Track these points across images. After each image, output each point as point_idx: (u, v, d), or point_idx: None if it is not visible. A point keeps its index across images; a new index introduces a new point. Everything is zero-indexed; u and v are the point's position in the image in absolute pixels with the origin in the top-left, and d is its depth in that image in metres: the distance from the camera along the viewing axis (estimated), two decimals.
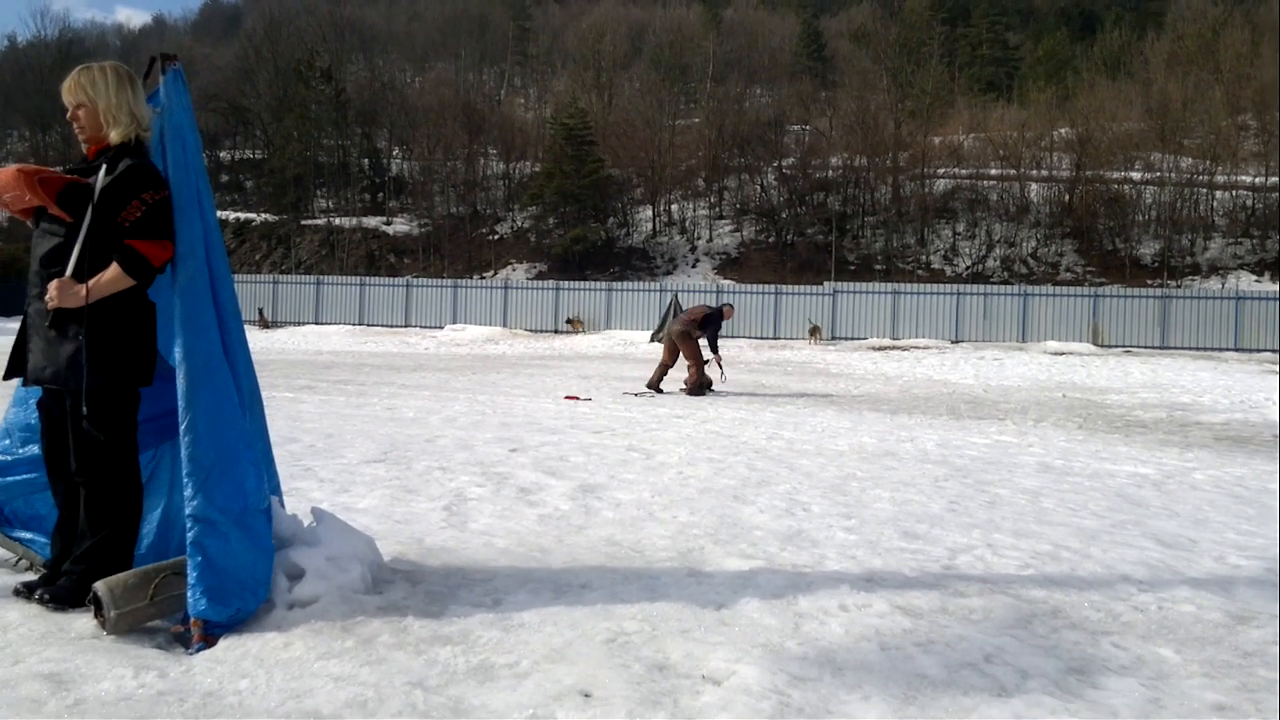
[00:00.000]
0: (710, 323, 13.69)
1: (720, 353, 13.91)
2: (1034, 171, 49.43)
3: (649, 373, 14.61)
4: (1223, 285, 39.88)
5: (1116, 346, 32.74)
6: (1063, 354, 28.30)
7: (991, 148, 51.05)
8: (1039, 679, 3.02)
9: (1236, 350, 31.93)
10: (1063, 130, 50.35)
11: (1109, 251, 44.87)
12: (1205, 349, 32.32)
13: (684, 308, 31.30)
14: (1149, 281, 40.84)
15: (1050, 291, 35.69)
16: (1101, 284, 40.33)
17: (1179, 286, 39.51)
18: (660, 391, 13.65)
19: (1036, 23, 79.21)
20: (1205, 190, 45.48)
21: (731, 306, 14.44)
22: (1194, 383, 18.16)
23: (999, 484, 6.65)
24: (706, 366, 13.71)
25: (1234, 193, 45.65)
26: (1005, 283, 41.24)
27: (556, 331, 36.96)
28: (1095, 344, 32.68)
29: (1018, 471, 7.27)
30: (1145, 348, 32.69)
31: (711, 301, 36.42)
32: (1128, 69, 58.01)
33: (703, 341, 13.56)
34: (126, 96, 3.37)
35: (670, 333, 14.04)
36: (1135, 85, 53.88)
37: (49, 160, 49.94)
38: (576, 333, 35.47)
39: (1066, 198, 47.39)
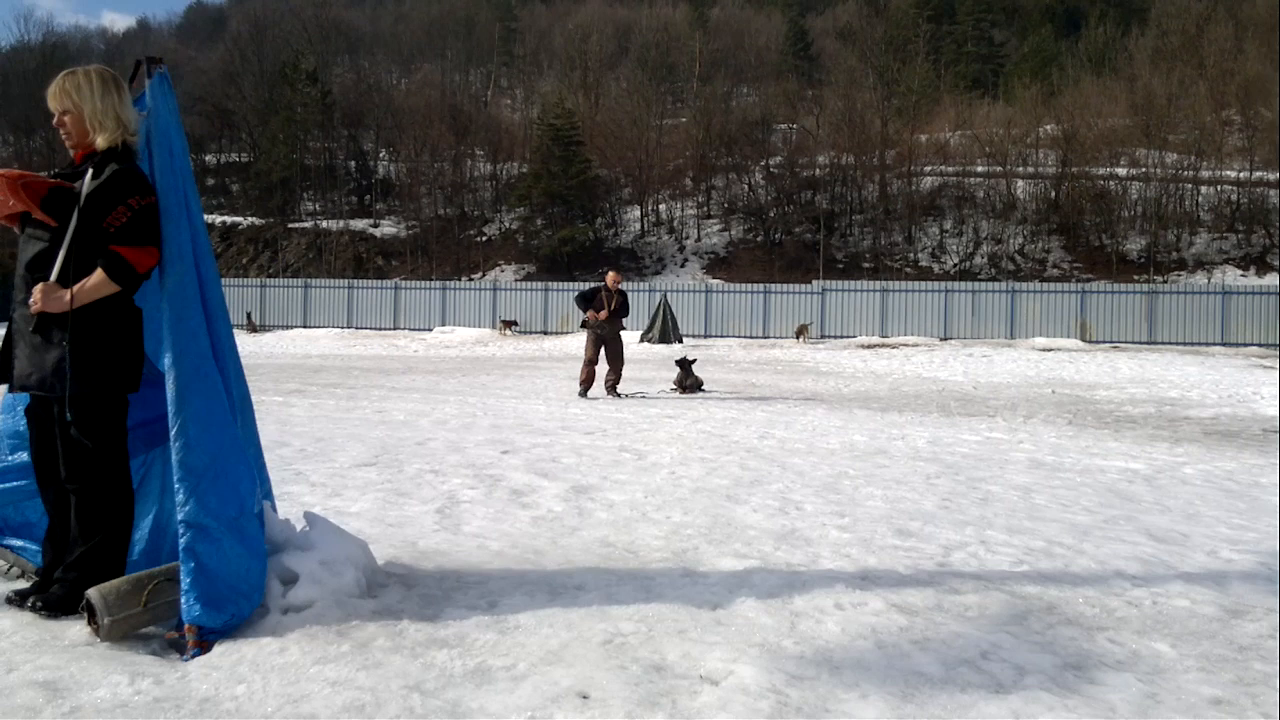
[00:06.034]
0: (584, 300, 13.23)
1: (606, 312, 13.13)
2: (1020, 168, 49.61)
3: (640, 373, 14.57)
4: (1209, 280, 40.05)
5: (1104, 342, 32.89)
6: (1051, 350, 28.41)
7: (978, 145, 51.18)
8: (1036, 675, 3.02)
9: (1223, 345, 32.08)
10: (1048, 127, 50.55)
11: (1096, 247, 45.04)
12: (1192, 344, 32.48)
13: (672, 308, 31.52)
14: (1136, 277, 41.02)
15: (1038, 288, 35.82)
16: (1089, 280, 40.48)
17: (1165, 282, 39.68)
18: (617, 395, 13.22)
19: (1021, 20, 79.41)
20: (1190, 185, 45.68)
21: (615, 274, 13.62)
22: (1182, 378, 18.24)
23: (991, 481, 6.66)
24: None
25: (1219, 188, 45.86)
26: (993, 279, 41.35)
27: (545, 333, 36.93)
28: (1083, 340, 32.83)
29: (1009, 468, 7.28)
30: (1133, 343, 32.84)
31: (700, 303, 36.57)
32: (1112, 65, 58.26)
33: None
34: (112, 101, 3.35)
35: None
36: (1120, 81, 54.09)
37: (33, 165, 49.65)
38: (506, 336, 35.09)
39: (1053, 194, 47.57)
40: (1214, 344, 32.31)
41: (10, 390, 3.48)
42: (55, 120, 3.41)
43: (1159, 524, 5.34)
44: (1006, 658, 3.17)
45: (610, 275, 13.58)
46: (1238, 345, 31.80)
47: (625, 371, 14.12)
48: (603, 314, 13.06)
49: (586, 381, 13.18)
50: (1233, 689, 2.96)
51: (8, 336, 3.45)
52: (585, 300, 13.26)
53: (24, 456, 3.67)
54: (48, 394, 3.30)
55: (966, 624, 3.51)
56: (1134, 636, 3.42)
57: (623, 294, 13.44)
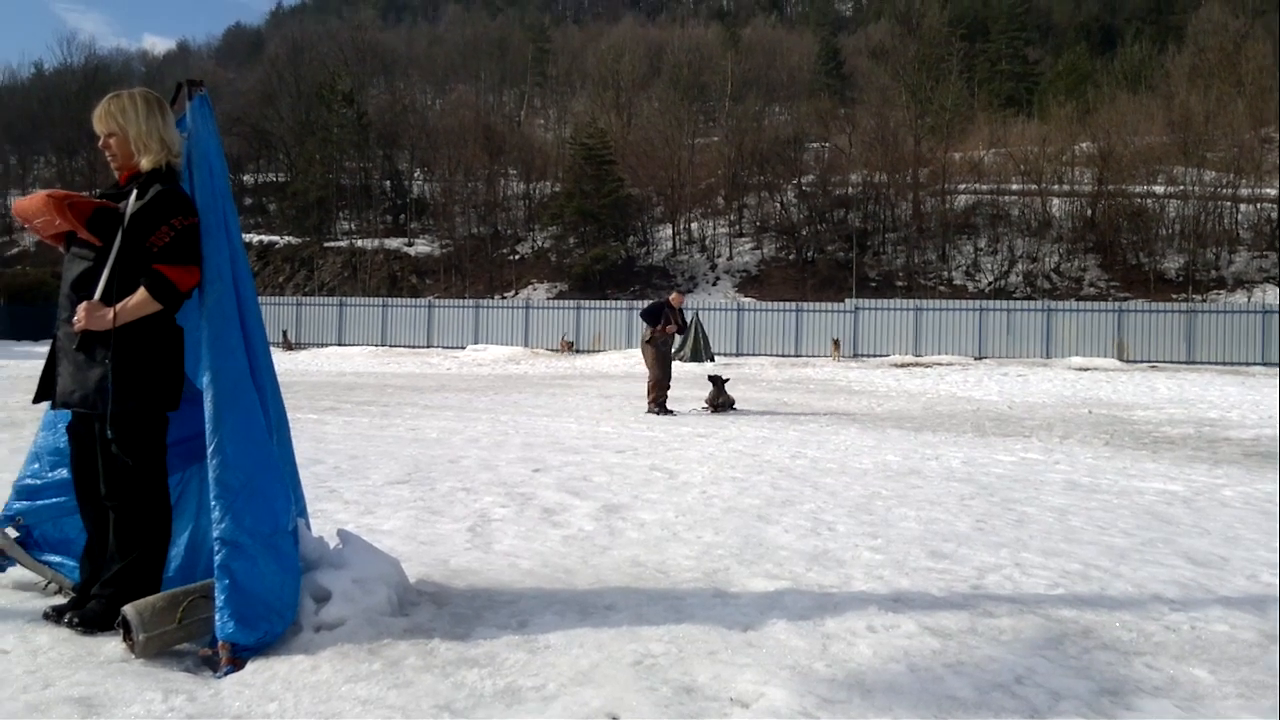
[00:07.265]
0: (653, 315, 13.58)
1: (674, 329, 13.64)
2: (1055, 186, 49.21)
3: (672, 391, 14.53)
4: (1249, 299, 39.46)
5: (1142, 362, 32.46)
6: (1088, 370, 28.09)
7: (1012, 163, 50.85)
8: (1071, 701, 2.98)
9: (1264, 365, 31.56)
10: (1084, 144, 50.13)
11: (1133, 266, 44.55)
12: (1232, 364, 31.98)
13: (704, 327, 31.51)
14: (1174, 296, 40.48)
15: (1074, 307, 35.45)
16: (1126, 299, 40.03)
17: (1204, 301, 39.15)
18: (669, 411, 13.36)
19: (1056, 37, 79.05)
20: (1229, 203, 45.10)
21: (678, 294, 14.20)
22: (1221, 398, 17.97)
23: (1026, 502, 6.59)
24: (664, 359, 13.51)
25: (1259, 206, 45.23)
26: (1028, 298, 40.98)
27: (577, 351, 37.01)
28: (1120, 359, 32.42)
29: (1045, 489, 7.20)
30: (1171, 363, 32.39)
31: (732, 321, 36.58)
32: (1148, 82, 57.73)
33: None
34: (156, 123, 3.41)
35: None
36: (1156, 99, 53.59)
37: (75, 186, 50.57)
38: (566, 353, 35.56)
39: (1089, 212, 47.14)
40: (1254, 364, 31.79)
41: (52, 407, 3.54)
42: (101, 142, 3.48)
43: (1198, 547, 5.26)
44: (1041, 683, 3.13)
45: (674, 295, 14.14)
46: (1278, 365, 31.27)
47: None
48: (670, 328, 13.59)
49: (658, 400, 13.40)
50: (1273, 716, 2.90)
51: (51, 354, 3.52)
52: (653, 315, 13.69)
53: (64, 473, 3.72)
54: (89, 411, 3.35)
55: (1001, 648, 3.47)
56: (1172, 662, 3.37)
57: (682, 313, 14.07)
